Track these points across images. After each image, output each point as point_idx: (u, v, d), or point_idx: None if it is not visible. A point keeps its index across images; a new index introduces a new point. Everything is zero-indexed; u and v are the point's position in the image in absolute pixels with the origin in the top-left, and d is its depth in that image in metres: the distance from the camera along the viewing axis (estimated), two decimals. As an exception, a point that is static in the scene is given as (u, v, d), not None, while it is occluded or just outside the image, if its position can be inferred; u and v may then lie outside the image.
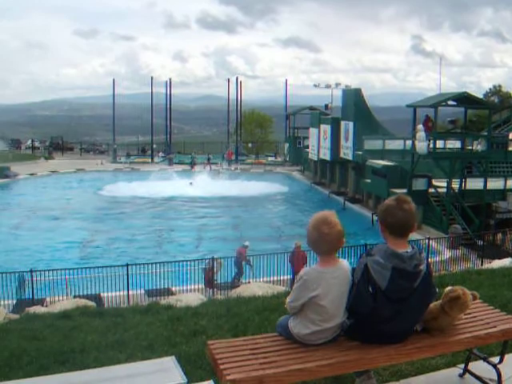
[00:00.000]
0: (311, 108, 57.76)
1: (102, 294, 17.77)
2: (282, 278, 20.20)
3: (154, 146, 66.42)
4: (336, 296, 3.86)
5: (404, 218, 3.90)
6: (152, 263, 19.56)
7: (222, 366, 3.59)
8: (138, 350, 6.12)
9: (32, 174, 52.16)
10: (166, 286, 18.78)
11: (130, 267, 18.47)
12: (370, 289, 3.82)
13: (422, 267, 3.90)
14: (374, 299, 3.82)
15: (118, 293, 17.80)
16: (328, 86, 59.69)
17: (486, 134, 35.13)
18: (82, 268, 19.02)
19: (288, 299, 3.96)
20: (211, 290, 19.04)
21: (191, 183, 49.66)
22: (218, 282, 20.27)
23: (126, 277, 18.26)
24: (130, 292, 17.94)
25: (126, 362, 4.80)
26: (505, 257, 20.75)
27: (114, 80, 69.02)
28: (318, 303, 3.82)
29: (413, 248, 3.94)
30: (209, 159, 59.37)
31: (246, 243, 22.72)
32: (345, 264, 4.00)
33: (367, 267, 3.83)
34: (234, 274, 21.36)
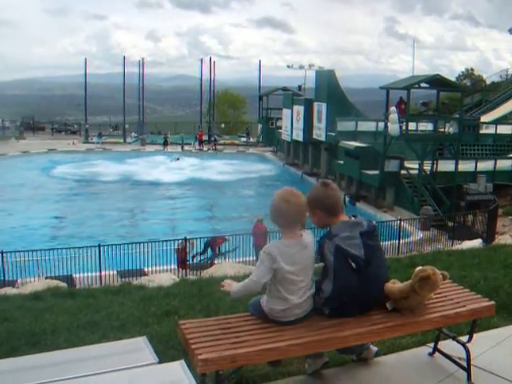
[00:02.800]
0: (284, 89, 57.64)
1: (74, 275, 17.64)
2: (253, 258, 20.29)
3: (127, 126, 65.87)
4: (302, 269, 3.88)
5: (338, 197, 4.14)
6: (124, 244, 19.46)
7: (193, 346, 3.59)
8: (109, 331, 6.11)
9: (2, 155, 51.46)
10: (139, 267, 18.74)
11: (102, 248, 18.39)
12: (354, 265, 3.88)
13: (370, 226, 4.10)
14: (358, 272, 3.90)
15: (90, 274, 17.66)
16: (301, 67, 59.63)
17: (457, 116, 35.35)
18: (53, 249, 18.87)
19: (251, 277, 3.89)
20: (184, 271, 19.04)
21: (178, 159, 50.15)
22: (191, 262, 20.28)
23: (98, 257, 18.19)
24: (102, 273, 17.86)
25: (98, 343, 4.79)
26: (475, 238, 21.06)
27: (85, 59, 68.46)
28: (285, 276, 3.83)
29: (350, 217, 4.15)
30: (182, 141, 59.25)
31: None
32: (309, 236, 4.03)
33: (340, 247, 3.87)
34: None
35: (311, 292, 4.00)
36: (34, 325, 6.57)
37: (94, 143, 59.84)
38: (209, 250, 21.72)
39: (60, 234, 27.58)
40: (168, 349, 5.04)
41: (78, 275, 17.63)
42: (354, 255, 3.87)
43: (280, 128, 54.22)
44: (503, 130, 41.76)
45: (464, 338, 4.41)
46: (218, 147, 60.17)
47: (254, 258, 20.34)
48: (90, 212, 32.09)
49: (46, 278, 16.15)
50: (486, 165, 34.20)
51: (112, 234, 26.47)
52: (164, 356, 4.08)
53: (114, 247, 19.24)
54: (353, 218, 4.11)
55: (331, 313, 4.03)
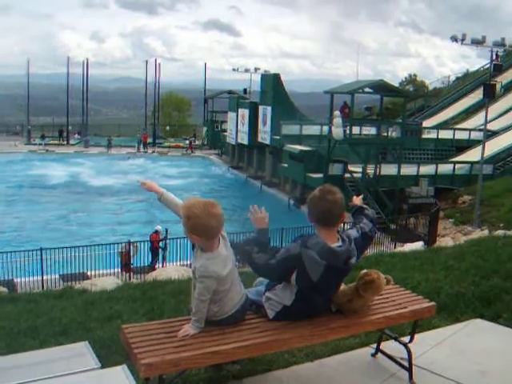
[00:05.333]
0: (230, 92, 57.67)
1: (15, 280, 17.32)
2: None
3: (70, 127, 64.92)
4: (230, 272, 3.88)
5: (327, 208, 3.93)
6: (67, 247, 19.12)
7: (136, 350, 3.54)
8: (51, 336, 6.00)
9: None
10: (82, 271, 18.48)
11: (44, 251, 18.08)
12: (295, 275, 3.86)
13: (353, 260, 4.01)
14: (301, 285, 3.91)
15: (31, 278, 17.36)
16: (247, 71, 59.63)
17: (400, 121, 35.93)
18: (-7, 253, 18.48)
19: (199, 296, 3.80)
20: (127, 274, 18.85)
21: (129, 157, 51.33)
22: (134, 265, 20.10)
23: (39, 261, 17.88)
24: (44, 277, 17.55)
25: (39, 349, 4.70)
26: (417, 240, 21.44)
27: (28, 59, 67.43)
28: (219, 289, 3.84)
29: (343, 241, 4.00)
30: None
31: (158, 228, 22.36)
32: (226, 239, 3.97)
33: (300, 258, 3.83)
34: (150, 259, 21.21)
35: (243, 293, 4.03)
36: (-28, 330, 6.41)
37: (36, 145, 58.78)
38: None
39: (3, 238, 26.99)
40: (111, 354, 4.97)
41: (19, 279, 17.29)
42: (306, 272, 3.85)
43: (225, 131, 54.28)
44: (444, 134, 42.67)
45: (406, 339, 4.48)
46: (162, 150, 59.89)
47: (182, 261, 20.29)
48: (31, 215, 31.51)
49: (-14, 282, 15.79)
50: (427, 169, 34.85)
51: (54, 237, 26.02)
52: (106, 361, 4.03)
53: (56, 251, 18.89)
54: (341, 243, 3.98)
55: (277, 317, 4.04)
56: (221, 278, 3.79)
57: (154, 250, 21.31)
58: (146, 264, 20.55)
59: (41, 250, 18.03)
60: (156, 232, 21.85)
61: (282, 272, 3.90)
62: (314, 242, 3.90)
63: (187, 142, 62.72)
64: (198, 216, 3.72)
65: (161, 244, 21.61)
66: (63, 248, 19.05)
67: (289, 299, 3.99)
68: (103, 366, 3.53)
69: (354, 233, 4.16)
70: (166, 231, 21.95)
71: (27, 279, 17.22)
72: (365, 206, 4.51)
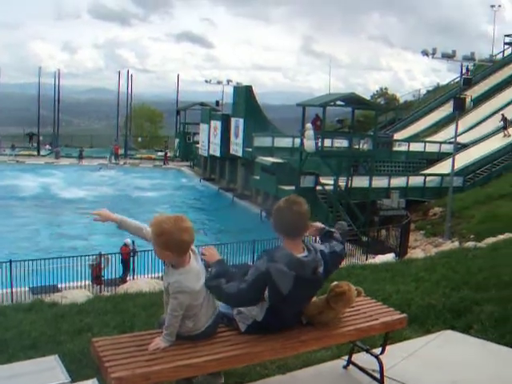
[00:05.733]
0: (202, 104, 57.70)
1: (-18, 292, 17.07)
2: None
3: (41, 138, 64.34)
4: (204, 288, 3.86)
5: (293, 220, 3.92)
6: (37, 259, 18.91)
7: (106, 364, 3.50)
8: (20, 350, 5.91)
9: None
10: (52, 283, 18.27)
11: (13, 263, 17.84)
12: (267, 292, 3.84)
13: (321, 269, 3.99)
14: (271, 300, 3.88)
15: (0, 290, 17.13)
16: (219, 83, 59.66)
17: (372, 134, 36.17)
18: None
19: (172, 312, 3.77)
20: (98, 287, 18.68)
21: (101, 168, 52.22)
22: (105, 278, 19.94)
23: (9, 273, 17.64)
24: (14, 289, 17.31)
25: (8, 363, 4.63)
26: (388, 252, 21.55)
27: (-2, 69, 66.83)
28: (193, 304, 3.82)
29: (309, 251, 3.98)
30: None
31: (127, 240, 22.13)
32: (197, 254, 3.95)
33: (269, 273, 3.79)
34: (121, 272, 21.03)
35: (213, 301, 4.01)
36: None
37: (6, 155, 58.17)
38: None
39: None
40: (81, 367, 4.91)
41: (-13, 292, 17.05)
42: (276, 286, 3.82)
43: (197, 143, 54.25)
44: (415, 147, 43.05)
45: (377, 351, 4.49)
46: (134, 161, 59.67)
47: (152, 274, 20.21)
48: (1, 227, 31.11)
49: (-47, 295, 15.55)
50: (398, 181, 35.11)
51: (23, 249, 25.71)
52: (77, 375, 3.99)
53: (25, 263, 18.65)
54: (307, 253, 3.96)
55: (249, 330, 4.03)
56: (194, 292, 3.77)
57: (124, 263, 21.14)
58: (117, 276, 20.40)
59: (10, 262, 17.79)
60: (125, 245, 21.67)
61: (255, 293, 3.86)
62: (280, 254, 3.88)
63: (161, 153, 62.62)
64: (170, 231, 3.69)
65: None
66: (33, 260, 18.83)
67: (259, 315, 3.97)
68: (73, 381, 3.49)
69: (321, 246, 4.17)
70: (133, 243, 21.80)
71: (-4, 292, 17.00)
72: (333, 229, 4.51)
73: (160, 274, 19.57)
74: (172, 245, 3.70)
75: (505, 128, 39.67)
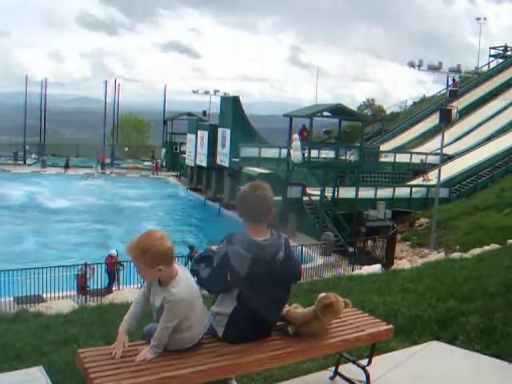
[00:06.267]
0: (189, 114, 57.70)
1: (-34, 302, 16.92)
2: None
3: (27, 147, 64.07)
4: (197, 297, 3.84)
5: (258, 205, 3.94)
6: (22, 269, 18.81)
7: (92, 376, 3.47)
8: (4, 361, 5.88)
9: None
10: (37, 293, 18.16)
11: (-3, 273, 17.74)
12: (229, 276, 3.85)
13: (281, 254, 3.99)
14: (231, 285, 3.88)
15: (-16, 300, 17.00)
16: (207, 93, 59.71)
17: (358, 145, 36.29)
18: None
19: (164, 324, 3.72)
20: (84, 297, 18.60)
21: (87, 177, 52.69)
22: (91, 288, 19.85)
23: (-7, 283, 17.53)
24: (-2, 299, 17.20)
25: (-9, 373, 4.59)
26: (375, 263, 21.58)
27: (-16, 78, 66.60)
28: (189, 315, 3.79)
29: (272, 235, 4.01)
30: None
31: (113, 252, 22.06)
32: (180, 267, 3.90)
33: (227, 256, 3.84)
34: (107, 282, 20.95)
35: (206, 318, 3.97)
36: None
37: (-9, 164, 57.89)
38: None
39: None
40: (66, 378, 4.88)
41: (-29, 302, 16.90)
42: (233, 269, 3.84)
43: (184, 153, 54.23)
44: (401, 158, 43.28)
45: (364, 362, 4.48)
46: (121, 171, 59.55)
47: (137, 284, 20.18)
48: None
49: None
50: (385, 192, 35.24)
51: (8, 258, 25.54)
52: (61, 386, 3.96)
53: (10, 273, 18.53)
54: (269, 236, 3.98)
55: (226, 332, 4.00)
56: (190, 302, 3.74)
57: (110, 273, 21.05)
58: (103, 287, 20.32)
59: (-5, 271, 17.69)
60: (110, 255, 21.60)
61: (220, 277, 3.88)
62: (238, 237, 3.94)
63: (148, 163, 62.64)
64: (151, 245, 3.64)
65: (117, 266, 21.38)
66: (18, 270, 18.73)
67: (230, 306, 3.95)
68: (58, 391, 3.46)
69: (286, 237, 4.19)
70: (117, 253, 21.76)
71: (-20, 302, 16.86)
72: None
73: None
74: (159, 256, 3.64)
75: (425, 172, 39.80)
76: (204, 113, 58.15)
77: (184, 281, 3.77)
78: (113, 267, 21.10)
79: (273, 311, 4.13)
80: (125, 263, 20.86)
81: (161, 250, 3.65)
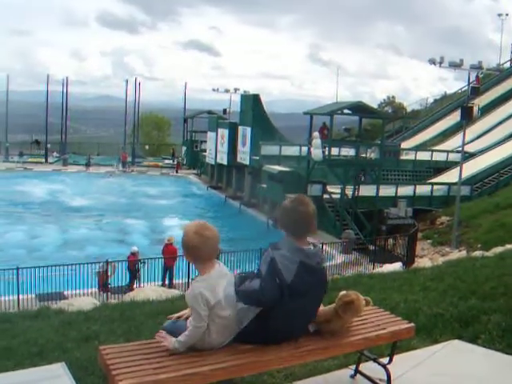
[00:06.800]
0: (209, 112, 57.78)
1: (-11, 299, 17.09)
2: (175, 281, 20.18)
3: (49, 145, 64.53)
4: (225, 298, 3.80)
5: (301, 221, 3.90)
6: (44, 266, 18.94)
7: (114, 372, 3.49)
8: (26, 357, 5.92)
9: None
10: (59, 290, 18.29)
11: (20, 270, 17.87)
12: (277, 280, 3.80)
13: (323, 264, 4.03)
14: (280, 291, 3.80)
15: (7, 297, 17.14)
16: (227, 91, 59.68)
17: (379, 142, 36.13)
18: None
19: (193, 323, 3.73)
20: (105, 294, 18.69)
21: (110, 175, 53.31)
22: (112, 285, 19.95)
23: (15, 280, 17.66)
24: (20, 296, 17.34)
25: (14, 370, 4.63)
26: (395, 261, 21.47)
27: (7, 76, 67.26)
28: (217, 313, 3.76)
29: (314, 246, 4.00)
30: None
31: (134, 249, 22.14)
32: (223, 266, 3.93)
33: (274, 260, 3.80)
34: (128, 279, 21.01)
35: (235, 322, 3.90)
36: None
37: (14, 162, 58.35)
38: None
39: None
40: (88, 375, 4.90)
41: (-6, 299, 17.07)
42: (280, 274, 3.78)
43: (204, 151, 54.26)
44: (422, 156, 43.02)
45: (385, 360, 4.46)
46: (141, 169, 59.76)
47: (159, 282, 20.33)
48: (8, 234, 31.17)
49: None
50: (405, 190, 35.05)
51: (29, 256, 25.75)
52: (83, 383, 3.99)
53: (32, 270, 18.67)
54: (312, 247, 3.97)
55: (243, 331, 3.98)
56: (210, 301, 3.70)
57: (131, 271, 21.11)
58: (124, 284, 20.40)
59: (17, 269, 17.83)
60: (132, 253, 21.69)
61: (274, 284, 3.81)
62: (284, 242, 3.92)
63: (169, 161, 62.81)
64: (184, 236, 3.76)
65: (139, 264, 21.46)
66: (40, 267, 18.86)
67: (246, 320, 3.90)
68: (80, 388, 3.48)
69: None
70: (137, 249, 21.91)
71: (2, 298, 17.01)
72: None
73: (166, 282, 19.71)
74: (185, 249, 3.78)
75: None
76: (224, 111, 58.12)
77: (211, 281, 3.76)
78: (134, 265, 21.17)
79: (303, 324, 4.10)
80: (147, 260, 21.00)
81: (186, 243, 3.76)
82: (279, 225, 4.05)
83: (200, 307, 3.70)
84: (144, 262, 21.12)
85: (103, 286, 19.41)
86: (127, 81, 69.71)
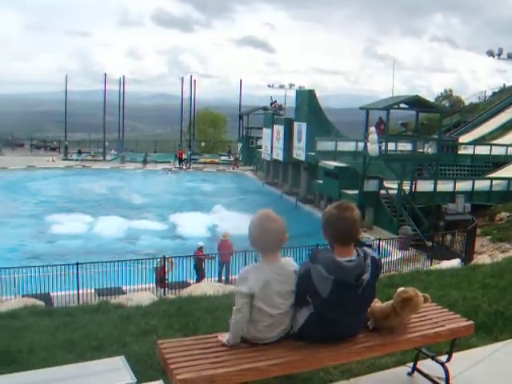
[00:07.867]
0: (265, 108, 57.79)
1: (51, 293, 17.48)
2: (233, 277, 20.25)
3: (107, 143, 65.61)
4: (280, 295, 3.80)
5: (345, 228, 3.81)
6: (103, 262, 19.26)
7: (172, 366, 3.54)
8: (87, 350, 6.03)
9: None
10: (117, 285, 18.59)
11: (80, 266, 18.22)
12: (309, 295, 3.79)
13: (365, 276, 3.82)
14: (314, 304, 3.80)
15: (67, 292, 17.51)
16: (281, 87, 59.77)
17: (436, 137, 35.64)
18: (31, 267, 18.70)
19: (234, 308, 3.79)
20: (162, 289, 18.91)
21: (168, 172, 54.13)
22: (170, 281, 20.16)
23: (76, 275, 18.02)
24: (80, 291, 17.69)
25: (75, 363, 4.72)
26: (453, 258, 21.19)
27: (66, 76, 68.65)
28: (256, 305, 3.77)
29: (358, 255, 3.85)
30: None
31: (200, 244, 22.40)
32: (290, 262, 3.94)
33: (308, 273, 3.76)
34: (196, 276, 21.15)
35: (288, 320, 3.92)
36: (9, 343, 6.45)
37: (73, 160, 59.49)
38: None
39: (38, 252, 27.28)
40: (146, 369, 4.98)
41: (55, 293, 17.46)
42: (315, 288, 3.75)
43: (260, 147, 54.36)
44: (481, 150, 42.26)
45: (443, 358, 4.42)
46: (198, 166, 60.20)
47: (216, 277, 20.44)
48: (68, 230, 31.75)
49: (23, 296, 15.95)
50: (464, 185, 34.49)
51: (89, 252, 26.20)
52: (142, 376, 4.04)
53: (92, 265, 19.04)
54: (355, 257, 3.84)
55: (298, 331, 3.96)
56: (255, 290, 3.73)
57: (198, 267, 21.22)
58: (183, 279, 20.57)
59: (77, 264, 18.18)
60: (199, 248, 21.86)
61: (300, 294, 3.85)
62: (323, 256, 3.83)
63: (225, 158, 63.14)
64: (253, 229, 3.84)
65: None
66: (99, 263, 19.21)
67: (301, 320, 3.91)
68: (139, 381, 3.53)
69: (371, 251, 4.02)
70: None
71: (63, 293, 17.40)
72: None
73: (223, 278, 19.85)
74: (250, 239, 3.85)
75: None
76: (272, 103, 57.74)
77: (263, 272, 3.78)
78: (201, 260, 21.27)
79: (353, 325, 4.06)
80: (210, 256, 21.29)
81: (249, 232, 3.85)
82: (323, 233, 3.94)
83: (241, 290, 3.75)
84: (213, 258, 21.41)
85: (160, 281, 19.62)
86: (182, 79, 70.45)
